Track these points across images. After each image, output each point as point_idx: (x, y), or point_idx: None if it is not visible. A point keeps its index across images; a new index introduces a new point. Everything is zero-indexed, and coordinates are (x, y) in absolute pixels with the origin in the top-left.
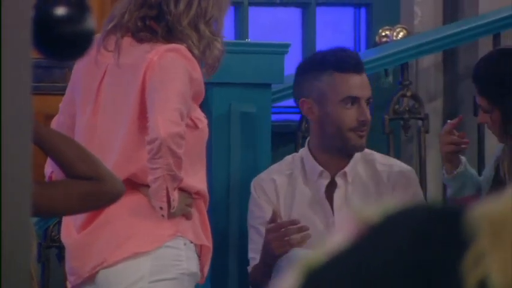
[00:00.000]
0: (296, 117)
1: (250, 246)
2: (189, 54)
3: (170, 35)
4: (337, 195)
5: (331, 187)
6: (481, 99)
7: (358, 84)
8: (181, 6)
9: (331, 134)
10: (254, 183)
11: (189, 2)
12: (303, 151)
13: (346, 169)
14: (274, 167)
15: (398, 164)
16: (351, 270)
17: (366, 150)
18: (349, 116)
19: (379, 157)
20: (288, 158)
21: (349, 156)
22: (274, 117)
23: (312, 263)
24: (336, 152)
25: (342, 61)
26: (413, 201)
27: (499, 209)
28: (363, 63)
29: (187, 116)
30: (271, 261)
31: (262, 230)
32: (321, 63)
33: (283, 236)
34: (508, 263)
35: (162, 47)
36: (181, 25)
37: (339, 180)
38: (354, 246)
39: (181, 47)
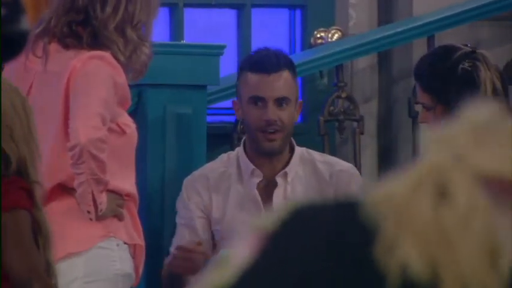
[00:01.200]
0: (231, 118)
1: (173, 239)
2: (113, 61)
3: (96, 41)
4: (276, 195)
5: (271, 187)
6: (424, 96)
7: (264, 84)
8: (108, 10)
9: (248, 134)
10: (186, 183)
11: (115, 6)
12: (239, 149)
13: (287, 169)
14: (208, 165)
15: (337, 162)
16: (272, 279)
17: (303, 149)
18: (255, 115)
19: (317, 156)
20: (224, 156)
21: (269, 156)
22: (209, 118)
23: (221, 283)
24: (258, 152)
25: (254, 62)
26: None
27: (397, 191)
28: (286, 63)
29: (112, 121)
30: (169, 281)
31: (183, 230)
32: (241, 65)
33: (188, 258)
34: (421, 242)
35: (85, 54)
36: (108, 30)
37: (279, 179)
38: (266, 255)
39: (105, 54)
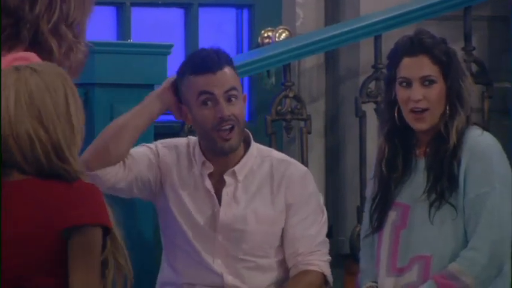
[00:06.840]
0: None
1: None
2: (39, 60)
3: (32, 42)
4: (226, 191)
5: (220, 184)
6: (434, 68)
7: (211, 82)
8: (38, 10)
9: (201, 136)
10: (159, 144)
11: (48, 5)
12: (195, 140)
13: (236, 168)
14: (178, 141)
15: (294, 163)
16: None
17: (263, 147)
18: (208, 115)
19: (275, 154)
20: (180, 139)
21: (225, 155)
22: None
23: None
24: (214, 153)
25: (195, 65)
26: (309, 202)
27: None
28: (227, 60)
29: None
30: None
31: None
32: (181, 70)
33: None
34: None
35: (9, 57)
36: (42, 30)
37: (227, 178)
38: None
39: (30, 55)
